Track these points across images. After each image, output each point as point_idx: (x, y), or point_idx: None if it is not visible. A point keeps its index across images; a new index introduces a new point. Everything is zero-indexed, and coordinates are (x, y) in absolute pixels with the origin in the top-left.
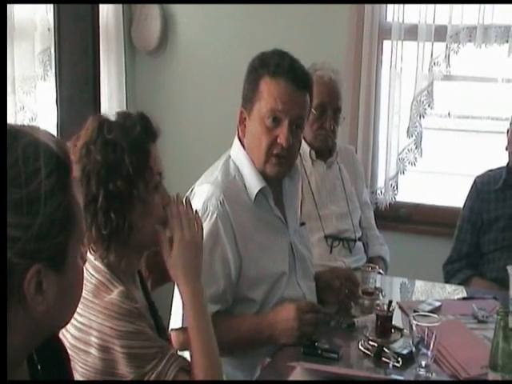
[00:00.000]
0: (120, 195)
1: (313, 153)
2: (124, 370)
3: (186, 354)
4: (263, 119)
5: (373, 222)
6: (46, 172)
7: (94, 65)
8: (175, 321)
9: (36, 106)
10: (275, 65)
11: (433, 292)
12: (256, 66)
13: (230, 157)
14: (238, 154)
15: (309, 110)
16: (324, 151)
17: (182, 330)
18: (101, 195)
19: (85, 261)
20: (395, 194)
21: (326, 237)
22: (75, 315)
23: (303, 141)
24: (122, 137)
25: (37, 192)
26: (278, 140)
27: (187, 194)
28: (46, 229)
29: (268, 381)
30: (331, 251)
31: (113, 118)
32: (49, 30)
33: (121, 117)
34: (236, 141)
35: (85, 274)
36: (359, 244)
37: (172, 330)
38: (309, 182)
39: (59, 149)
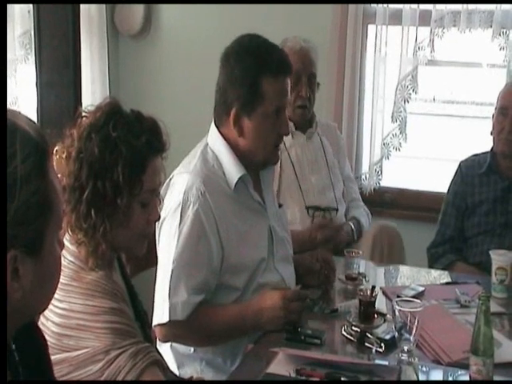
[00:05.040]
0: (104, 197)
1: (291, 124)
2: (97, 344)
3: (164, 347)
4: (269, 117)
5: (357, 194)
6: (22, 157)
7: (74, 48)
8: (160, 316)
9: (17, 89)
10: (276, 63)
11: (417, 277)
12: (251, 66)
13: (207, 144)
14: (215, 141)
15: None
16: (303, 123)
17: (167, 324)
18: (88, 188)
19: (63, 247)
20: (379, 179)
21: (308, 207)
22: (56, 302)
23: None
24: (124, 142)
25: (12, 176)
26: (282, 131)
27: (165, 183)
28: (22, 214)
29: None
30: (312, 221)
31: (126, 111)
32: (29, 12)
33: (132, 117)
34: (213, 128)
35: (61, 261)
36: (341, 213)
37: (156, 325)
38: (288, 154)
39: (37, 134)
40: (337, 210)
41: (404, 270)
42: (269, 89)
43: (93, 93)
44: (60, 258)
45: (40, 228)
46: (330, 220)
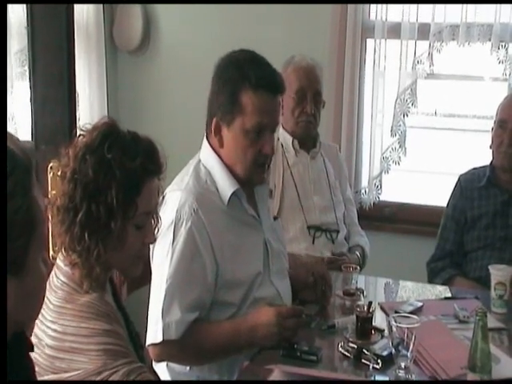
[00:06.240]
0: (98, 220)
1: (296, 142)
2: (89, 367)
3: (160, 366)
4: (248, 133)
5: (355, 218)
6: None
7: (68, 64)
8: (153, 335)
9: (13, 106)
10: (257, 77)
11: (417, 292)
12: (233, 77)
13: (200, 161)
14: (208, 157)
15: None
16: (307, 141)
17: (160, 344)
18: (82, 210)
19: (48, 265)
20: (379, 194)
21: (309, 227)
22: (49, 324)
23: (285, 132)
24: (119, 164)
25: None
26: (264, 150)
27: (158, 201)
28: None
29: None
30: (313, 242)
31: (123, 131)
32: (26, 28)
33: (128, 138)
34: (205, 144)
35: (54, 281)
36: (341, 236)
37: (149, 345)
38: (291, 172)
39: (20, 152)
40: (338, 231)
41: (403, 285)
42: (248, 102)
43: (91, 108)
44: (44, 276)
45: (23, 246)
46: (337, 259)
